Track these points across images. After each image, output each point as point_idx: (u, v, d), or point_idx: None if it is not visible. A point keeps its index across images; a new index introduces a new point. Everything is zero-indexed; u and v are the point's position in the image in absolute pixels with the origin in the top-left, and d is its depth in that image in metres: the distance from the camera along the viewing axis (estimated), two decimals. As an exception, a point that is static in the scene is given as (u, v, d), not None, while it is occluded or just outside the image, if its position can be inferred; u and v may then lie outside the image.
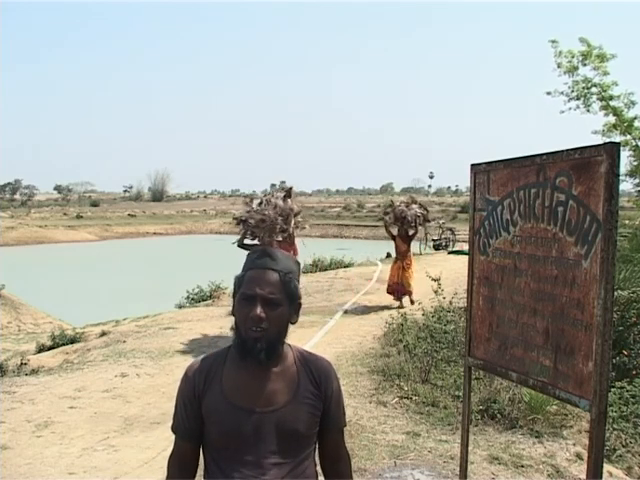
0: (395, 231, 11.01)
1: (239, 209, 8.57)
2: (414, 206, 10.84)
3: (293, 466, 1.57)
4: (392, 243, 11.12)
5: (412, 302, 10.37)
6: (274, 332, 1.56)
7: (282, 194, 8.42)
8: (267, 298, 1.55)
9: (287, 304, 1.59)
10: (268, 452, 1.54)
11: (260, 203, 8.17)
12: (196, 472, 1.68)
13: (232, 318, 1.65)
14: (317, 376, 1.64)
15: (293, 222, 9.39)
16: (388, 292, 10.83)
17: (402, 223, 10.66)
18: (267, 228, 7.92)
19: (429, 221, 11.47)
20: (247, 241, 8.21)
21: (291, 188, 8.62)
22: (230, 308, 1.72)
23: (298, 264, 1.69)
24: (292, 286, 1.59)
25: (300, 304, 1.65)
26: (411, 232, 10.80)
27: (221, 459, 1.58)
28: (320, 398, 1.63)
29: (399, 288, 10.57)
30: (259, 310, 1.53)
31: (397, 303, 10.61)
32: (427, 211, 11.11)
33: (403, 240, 10.82)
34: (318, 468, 1.72)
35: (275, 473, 1.53)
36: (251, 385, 1.57)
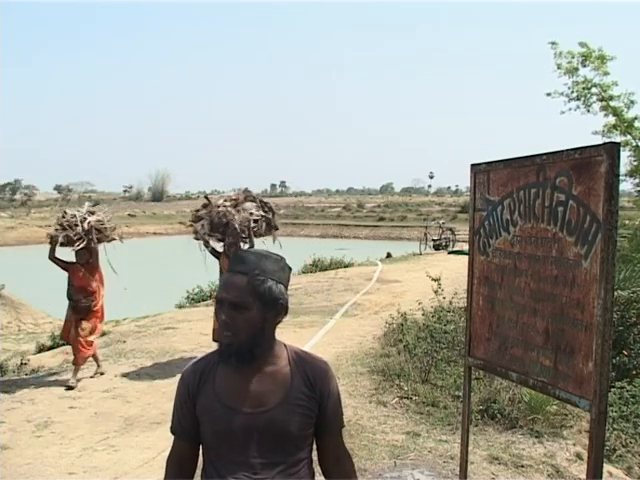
0: (221, 245, 6.93)
1: None
2: (249, 205, 7.05)
3: (286, 467, 1.57)
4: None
5: None
6: (243, 337, 1.53)
7: None
8: (232, 302, 1.53)
9: (259, 306, 1.54)
10: (259, 453, 1.55)
11: None
12: (194, 472, 1.69)
13: None
14: (312, 377, 1.62)
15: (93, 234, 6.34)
16: (215, 339, 6.54)
17: (224, 234, 6.78)
18: None
19: (276, 228, 7.34)
20: None
21: None
22: None
23: (281, 260, 1.63)
24: (263, 287, 1.54)
25: (282, 304, 1.58)
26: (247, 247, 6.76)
27: (216, 459, 1.59)
28: (315, 399, 1.61)
29: None
30: (224, 316, 1.55)
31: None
32: (273, 213, 7.32)
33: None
34: (316, 468, 1.72)
35: (267, 473, 1.54)
36: (242, 386, 1.58)
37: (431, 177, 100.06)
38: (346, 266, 18.64)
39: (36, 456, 4.39)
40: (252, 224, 6.85)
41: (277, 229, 7.39)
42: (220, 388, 1.59)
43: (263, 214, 7.11)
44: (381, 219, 56.99)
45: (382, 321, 8.27)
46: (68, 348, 8.74)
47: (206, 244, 6.90)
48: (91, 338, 6.45)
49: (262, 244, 7.15)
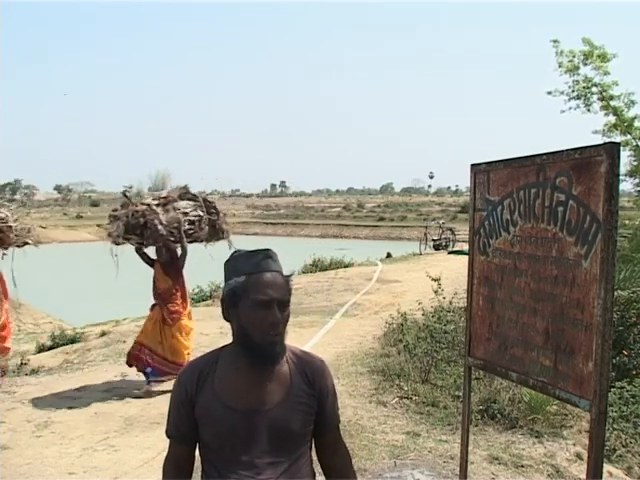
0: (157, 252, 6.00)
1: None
2: (183, 204, 6.01)
3: (288, 465, 1.57)
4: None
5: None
6: (284, 335, 1.60)
7: None
8: (282, 301, 1.56)
9: (289, 304, 1.62)
10: (262, 452, 1.55)
11: None
12: (192, 474, 1.68)
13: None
14: (310, 375, 1.64)
15: None
16: (128, 362, 5.98)
17: (142, 236, 5.75)
18: None
19: (222, 232, 6.33)
20: None
21: None
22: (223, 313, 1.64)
23: None
24: (291, 285, 1.62)
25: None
26: (180, 253, 5.97)
27: (217, 460, 1.58)
28: (314, 397, 1.63)
29: (152, 357, 5.77)
30: (277, 315, 1.55)
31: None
32: (219, 215, 6.29)
33: (165, 270, 5.91)
34: (316, 468, 1.72)
35: (271, 472, 1.54)
36: (243, 386, 1.58)
37: (431, 177, 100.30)
38: (346, 266, 18.63)
39: (36, 456, 4.39)
40: (186, 226, 5.86)
41: (223, 232, 6.32)
42: (219, 388, 1.58)
43: (203, 214, 6.05)
44: (381, 219, 57.07)
45: (382, 321, 8.27)
46: (67, 348, 8.77)
47: (139, 252, 5.96)
48: None
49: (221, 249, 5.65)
